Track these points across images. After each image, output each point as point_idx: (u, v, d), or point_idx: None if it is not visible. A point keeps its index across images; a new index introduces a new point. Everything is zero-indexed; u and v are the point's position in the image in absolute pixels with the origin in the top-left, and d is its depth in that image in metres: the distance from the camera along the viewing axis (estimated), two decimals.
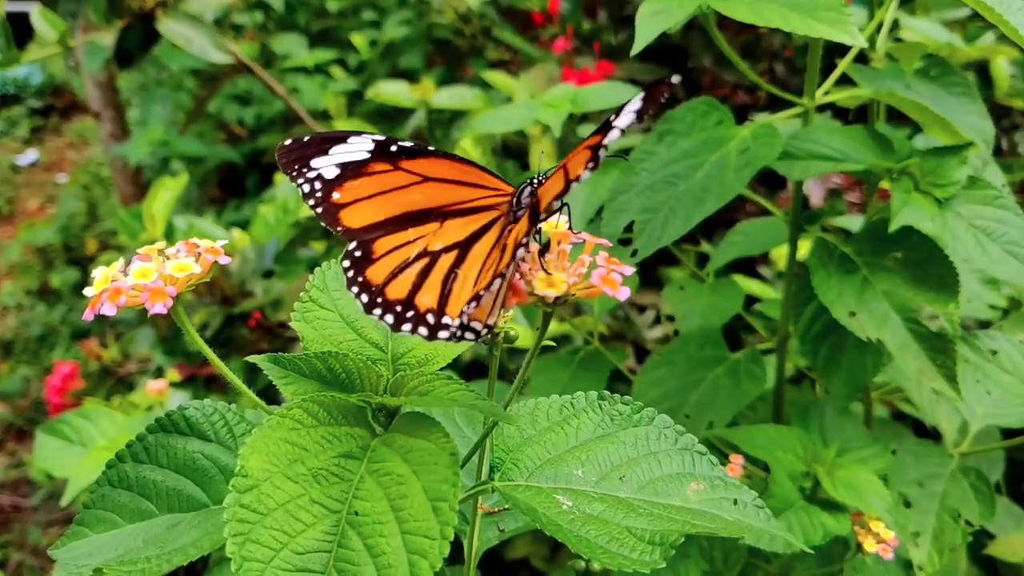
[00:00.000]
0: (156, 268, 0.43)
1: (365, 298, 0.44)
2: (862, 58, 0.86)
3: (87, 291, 0.42)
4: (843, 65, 0.83)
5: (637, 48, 0.71)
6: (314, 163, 0.47)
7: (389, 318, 0.44)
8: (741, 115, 0.96)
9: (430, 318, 0.43)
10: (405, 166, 0.47)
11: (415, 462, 0.41)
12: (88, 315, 0.42)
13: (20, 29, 1.46)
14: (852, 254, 0.82)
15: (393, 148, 0.47)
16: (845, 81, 0.85)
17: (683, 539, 0.44)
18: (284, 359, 0.44)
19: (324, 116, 2.06)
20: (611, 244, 0.45)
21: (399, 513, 0.39)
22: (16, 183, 3.81)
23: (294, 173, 0.47)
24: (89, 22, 1.53)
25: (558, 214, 0.46)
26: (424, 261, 0.45)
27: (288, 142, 0.48)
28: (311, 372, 0.44)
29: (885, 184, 0.81)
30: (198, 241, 0.45)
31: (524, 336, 1.07)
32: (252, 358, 0.42)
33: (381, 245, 0.45)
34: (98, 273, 0.43)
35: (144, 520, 0.48)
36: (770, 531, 0.45)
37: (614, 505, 0.45)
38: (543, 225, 0.45)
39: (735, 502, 0.46)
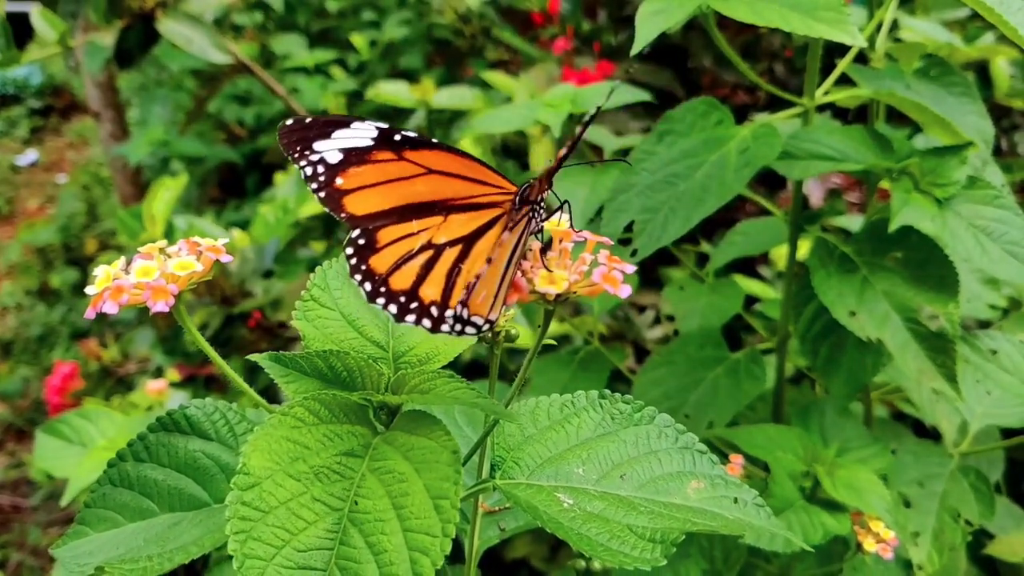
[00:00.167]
0: (158, 266, 0.43)
1: (368, 287, 0.44)
2: (862, 58, 0.86)
3: (89, 289, 0.42)
4: (843, 65, 0.83)
5: (637, 48, 0.71)
6: (316, 146, 0.47)
7: (392, 308, 0.44)
8: (741, 115, 0.96)
9: (434, 311, 0.43)
10: (409, 156, 0.47)
11: (416, 460, 0.41)
12: (90, 313, 0.42)
13: (20, 29, 1.46)
14: (852, 254, 0.82)
15: (397, 138, 0.47)
16: (845, 81, 0.85)
17: (684, 537, 0.44)
18: (285, 357, 0.44)
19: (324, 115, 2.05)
20: (612, 242, 0.45)
21: (401, 511, 0.39)
22: (16, 183, 3.81)
23: (296, 155, 0.47)
24: (89, 22, 1.53)
25: (559, 213, 0.46)
26: (428, 254, 0.45)
27: (290, 122, 0.47)
28: (312, 370, 0.44)
29: (885, 184, 0.81)
30: (199, 239, 0.45)
31: (524, 336, 1.07)
32: (253, 356, 0.42)
33: (385, 235, 0.45)
34: (100, 271, 0.43)
35: (145, 519, 0.48)
36: (770, 530, 0.46)
37: (615, 503, 0.45)
38: (545, 224, 0.45)
39: (736, 500, 0.46)
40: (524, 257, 0.44)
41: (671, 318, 1.08)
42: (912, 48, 0.84)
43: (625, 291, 0.42)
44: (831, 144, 0.81)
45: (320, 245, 1.74)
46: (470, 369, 1.52)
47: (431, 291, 0.44)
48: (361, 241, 0.45)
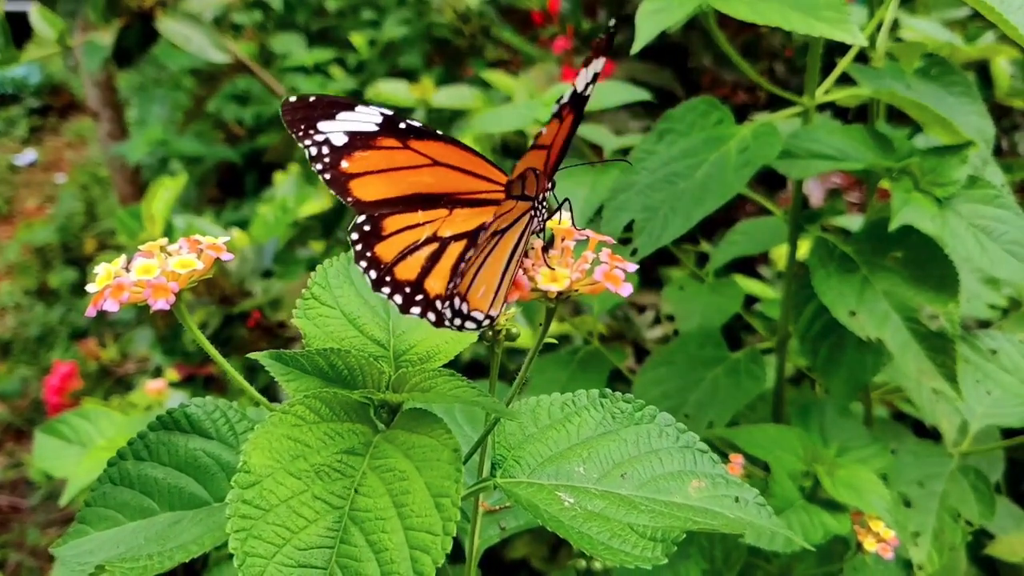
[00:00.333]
0: (159, 264, 0.43)
1: (374, 274, 0.44)
2: (862, 57, 0.86)
3: (89, 287, 0.42)
4: (843, 64, 0.83)
5: (637, 47, 0.71)
6: (321, 126, 0.47)
7: (398, 298, 0.44)
8: (741, 114, 0.96)
9: (439, 304, 0.43)
10: (415, 146, 0.47)
11: (417, 458, 0.41)
12: (91, 311, 0.42)
13: (18, 28, 1.46)
14: (852, 253, 0.82)
15: (402, 125, 0.47)
16: (845, 80, 0.85)
17: (684, 537, 0.44)
18: (286, 356, 0.44)
19: None
20: (614, 241, 0.45)
21: (401, 509, 0.39)
22: (14, 183, 3.80)
23: (300, 133, 0.47)
24: (88, 21, 1.53)
25: (560, 211, 0.46)
26: (434, 246, 0.45)
27: (293, 99, 0.47)
28: (313, 369, 0.44)
29: (885, 184, 0.81)
30: (200, 238, 0.45)
31: (524, 336, 1.07)
32: (254, 355, 0.42)
33: (391, 223, 0.45)
34: (101, 269, 0.43)
35: (146, 517, 0.48)
36: (771, 529, 0.46)
37: (616, 502, 0.45)
38: (548, 222, 0.45)
39: (737, 499, 0.46)
40: (526, 255, 0.44)
41: (671, 318, 1.08)
42: (913, 47, 0.84)
43: (627, 289, 0.42)
44: (831, 143, 0.81)
45: (319, 245, 1.74)
46: (469, 369, 1.52)
47: (437, 284, 0.44)
48: (367, 228, 0.45)
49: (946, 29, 1.09)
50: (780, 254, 1.34)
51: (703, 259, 1.20)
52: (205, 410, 0.50)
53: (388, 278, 0.44)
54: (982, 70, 1.25)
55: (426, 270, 0.44)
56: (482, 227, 0.45)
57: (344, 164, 0.46)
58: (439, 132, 0.47)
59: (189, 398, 0.52)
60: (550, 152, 0.43)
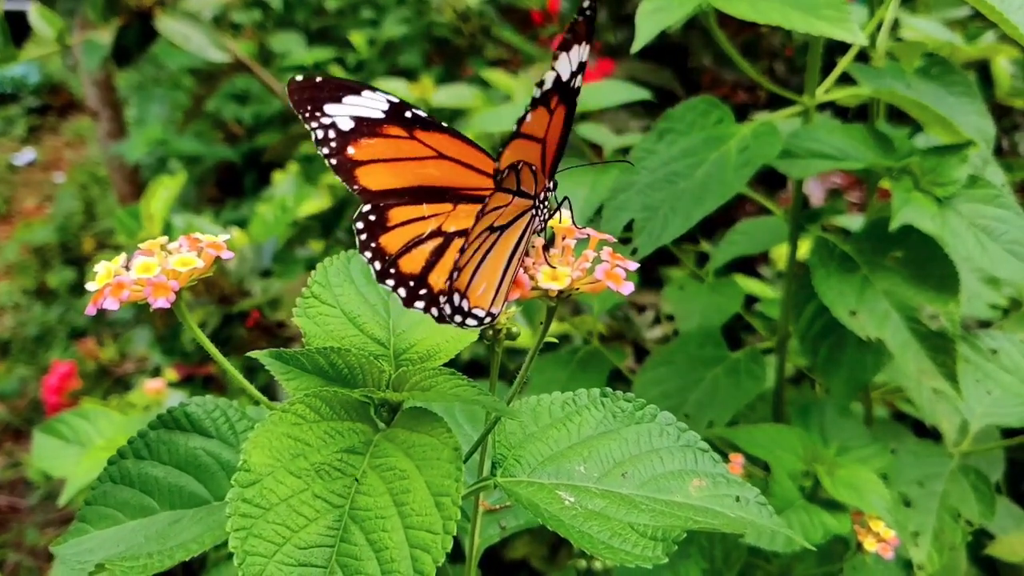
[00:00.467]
0: (159, 263, 0.43)
1: (378, 265, 0.44)
2: (863, 57, 0.86)
3: (89, 286, 0.42)
4: (843, 63, 0.83)
5: (637, 46, 0.71)
6: (327, 109, 0.46)
7: (402, 292, 0.44)
8: (741, 114, 0.96)
9: (442, 300, 0.43)
10: (421, 137, 0.46)
11: (418, 457, 0.41)
12: (91, 309, 0.42)
13: (17, 27, 1.45)
14: (852, 253, 0.82)
15: (408, 115, 0.46)
16: (845, 80, 0.85)
17: (684, 536, 0.44)
18: (286, 354, 0.43)
19: None
20: (615, 239, 0.45)
21: (402, 508, 0.39)
22: (13, 182, 3.80)
23: (306, 114, 0.46)
24: (87, 20, 1.53)
25: (560, 209, 0.46)
26: (438, 241, 0.44)
27: (300, 78, 0.47)
28: (313, 367, 0.44)
29: (885, 183, 0.81)
30: (200, 236, 0.45)
31: (524, 336, 1.07)
32: (254, 353, 0.42)
33: (396, 214, 0.45)
34: (101, 268, 0.43)
35: (146, 516, 0.48)
36: (772, 528, 0.46)
37: (616, 501, 0.45)
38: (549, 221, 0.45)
39: (737, 499, 0.46)
40: (527, 254, 0.44)
41: (671, 317, 1.08)
42: (913, 47, 0.84)
43: (627, 288, 0.41)
44: (831, 143, 0.81)
45: (319, 244, 1.74)
46: (469, 369, 1.52)
47: (440, 280, 0.43)
48: (372, 217, 0.44)
49: (946, 28, 1.09)
50: (780, 254, 1.34)
51: (703, 259, 1.20)
52: (205, 409, 0.50)
53: (392, 270, 0.44)
54: (983, 70, 1.25)
55: (430, 264, 0.44)
56: (494, 226, 0.45)
57: (350, 150, 0.46)
58: (444, 124, 0.47)
59: (188, 398, 0.52)
60: (545, 147, 0.43)
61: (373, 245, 0.44)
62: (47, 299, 2.75)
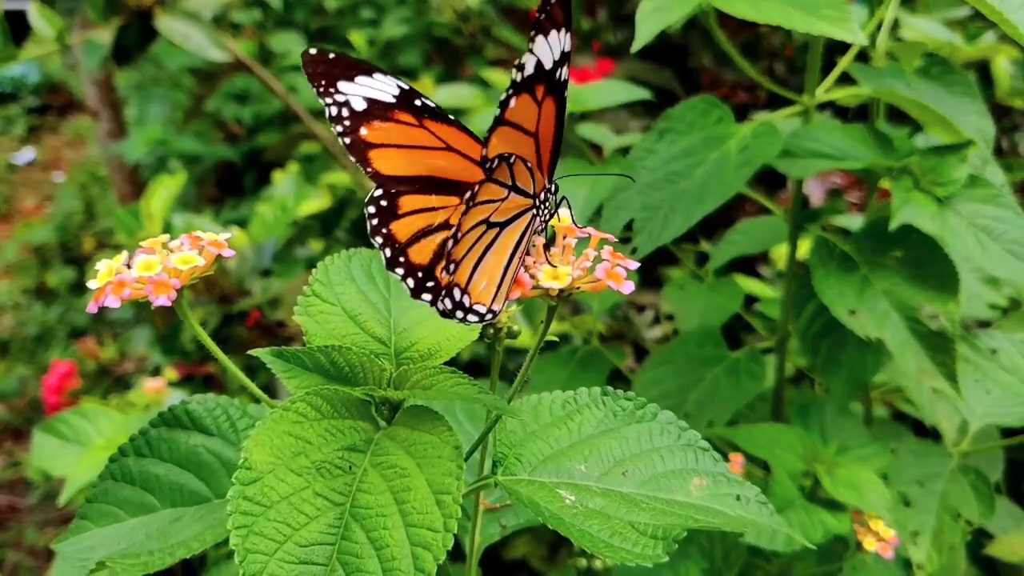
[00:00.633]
0: (160, 261, 0.43)
1: (388, 252, 0.44)
2: (863, 57, 0.86)
3: (91, 283, 0.42)
4: (843, 63, 0.83)
5: (637, 46, 0.71)
6: (341, 87, 0.46)
7: (410, 282, 0.44)
8: (741, 114, 0.96)
9: (456, 293, 0.43)
10: (430, 126, 0.46)
11: (418, 455, 0.41)
12: (92, 307, 0.42)
13: (17, 27, 1.45)
14: (852, 253, 0.82)
15: (417, 102, 0.46)
16: (845, 80, 0.85)
17: (684, 535, 0.44)
18: (287, 353, 0.43)
19: (323, 114, 2.05)
20: (615, 239, 0.45)
21: (403, 506, 0.39)
22: (13, 182, 3.80)
23: (321, 89, 0.46)
24: (87, 19, 1.53)
25: (561, 208, 0.46)
26: (446, 233, 0.44)
27: (313, 51, 0.46)
28: (314, 366, 0.44)
29: (885, 183, 0.81)
30: (201, 234, 0.45)
31: (525, 336, 1.07)
32: (255, 351, 0.42)
33: (407, 202, 0.45)
34: (102, 266, 0.43)
35: (147, 514, 0.48)
36: (772, 527, 0.46)
37: (617, 500, 0.45)
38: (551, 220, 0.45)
39: (738, 498, 0.46)
40: (527, 252, 0.44)
41: (670, 317, 1.08)
42: (913, 47, 0.84)
43: (628, 287, 0.41)
44: (831, 142, 0.81)
45: (318, 244, 1.74)
46: (468, 368, 1.52)
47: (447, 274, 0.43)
48: (383, 203, 0.44)
49: (946, 28, 1.09)
50: (780, 253, 1.34)
51: (703, 258, 1.21)
52: (206, 407, 0.50)
53: (402, 259, 0.44)
54: (982, 70, 1.25)
55: (438, 256, 0.44)
56: (488, 221, 0.45)
57: (363, 131, 0.46)
58: (451, 117, 0.47)
59: (189, 396, 0.52)
60: (539, 144, 0.43)
61: (384, 231, 0.44)
62: (47, 299, 2.75)
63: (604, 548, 0.42)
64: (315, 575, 0.37)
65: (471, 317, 0.43)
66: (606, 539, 0.42)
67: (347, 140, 0.46)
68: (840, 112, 1.28)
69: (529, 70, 0.40)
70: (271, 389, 1.26)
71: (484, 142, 0.43)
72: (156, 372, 1.71)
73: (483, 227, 0.43)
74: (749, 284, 1.23)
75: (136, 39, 1.52)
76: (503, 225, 0.43)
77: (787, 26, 0.69)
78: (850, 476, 0.78)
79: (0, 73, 4.32)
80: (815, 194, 1.54)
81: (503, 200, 0.43)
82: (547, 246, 0.45)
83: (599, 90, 1.17)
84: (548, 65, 0.41)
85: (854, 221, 1.11)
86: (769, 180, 1.64)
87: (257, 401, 0.49)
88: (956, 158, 0.77)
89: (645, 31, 0.71)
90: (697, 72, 1.79)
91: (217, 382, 1.68)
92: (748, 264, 1.50)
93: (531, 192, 0.44)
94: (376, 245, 0.44)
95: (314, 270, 0.52)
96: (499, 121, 0.42)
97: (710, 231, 1.44)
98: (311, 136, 1.75)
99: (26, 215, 3.49)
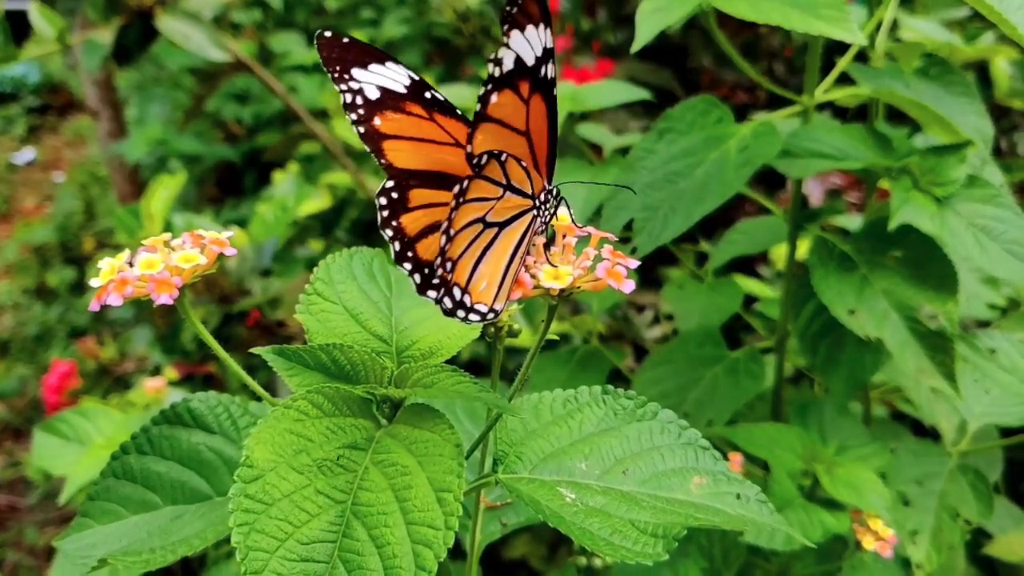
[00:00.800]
0: (162, 259, 0.43)
1: (398, 246, 0.44)
2: (862, 57, 0.86)
3: (93, 282, 0.42)
4: (843, 64, 0.83)
5: (637, 46, 0.71)
6: (355, 73, 0.46)
7: (417, 278, 0.44)
8: (741, 114, 0.96)
9: (456, 292, 0.43)
10: (440, 121, 0.46)
11: (420, 453, 0.41)
12: (94, 305, 0.42)
13: (18, 27, 1.45)
14: (851, 252, 0.82)
15: (428, 95, 0.46)
16: (845, 80, 0.85)
17: (685, 533, 0.44)
18: (289, 351, 0.44)
19: (323, 114, 2.06)
20: (616, 238, 0.45)
21: (404, 504, 0.39)
22: (13, 182, 3.80)
23: (335, 74, 0.46)
24: (87, 19, 1.53)
25: (561, 208, 0.46)
26: None
27: (328, 34, 0.46)
28: (316, 364, 0.44)
29: (884, 183, 0.82)
30: (203, 232, 0.45)
31: (525, 335, 1.07)
32: (257, 349, 0.42)
33: (417, 196, 0.45)
34: (104, 264, 0.43)
35: (148, 511, 0.48)
36: (771, 526, 0.46)
37: (617, 498, 0.45)
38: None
39: (738, 496, 0.46)
40: (528, 252, 0.44)
41: (670, 317, 1.08)
42: (912, 47, 0.84)
43: (628, 286, 0.42)
44: (831, 142, 0.81)
45: (318, 244, 1.74)
46: (468, 368, 1.51)
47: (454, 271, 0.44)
48: (394, 195, 0.44)
49: (945, 29, 1.09)
50: (779, 253, 1.34)
51: (702, 258, 1.21)
52: (208, 405, 0.50)
53: (410, 253, 0.44)
54: (981, 70, 1.25)
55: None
56: (484, 220, 0.45)
57: (377, 121, 0.45)
58: (460, 112, 0.46)
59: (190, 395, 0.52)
60: (532, 143, 0.43)
61: (395, 223, 0.44)
62: (47, 298, 2.75)
63: (604, 546, 0.42)
64: (316, 573, 0.37)
65: (473, 316, 0.44)
66: (606, 537, 0.43)
67: (361, 129, 0.45)
68: (839, 112, 1.28)
69: (508, 65, 0.40)
70: (271, 388, 1.26)
71: (468, 138, 0.42)
72: (156, 371, 1.71)
73: (479, 226, 0.43)
74: (749, 284, 1.23)
75: (136, 39, 1.52)
76: (502, 225, 0.44)
77: (786, 26, 0.69)
78: (849, 475, 0.78)
79: (0, 73, 4.32)
80: (814, 194, 1.55)
81: (498, 199, 0.43)
82: (547, 245, 0.45)
83: (599, 90, 1.17)
84: (530, 61, 0.41)
85: (853, 221, 1.11)
86: (769, 180, 1.65)
87: (258, 399, 0.49)
88: (955, 158, 0.77)
89: (645, 31, 0.72)
90: (697, 72, 1.79)
91: (217, 381, 1.68)
92: (748, 264, 1.50)
93: (529, 193, 0.44)
94: (386, 237, 0.44)
95: (316, 269, 0.52)
96: (481, 117, 0.41)
97: (710, 231, 1.44)
98: (311, 136, 1.75)
99: (26, 215, 3.49)
